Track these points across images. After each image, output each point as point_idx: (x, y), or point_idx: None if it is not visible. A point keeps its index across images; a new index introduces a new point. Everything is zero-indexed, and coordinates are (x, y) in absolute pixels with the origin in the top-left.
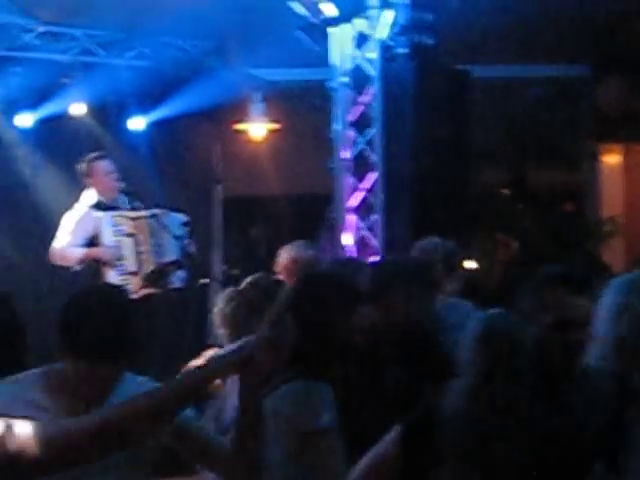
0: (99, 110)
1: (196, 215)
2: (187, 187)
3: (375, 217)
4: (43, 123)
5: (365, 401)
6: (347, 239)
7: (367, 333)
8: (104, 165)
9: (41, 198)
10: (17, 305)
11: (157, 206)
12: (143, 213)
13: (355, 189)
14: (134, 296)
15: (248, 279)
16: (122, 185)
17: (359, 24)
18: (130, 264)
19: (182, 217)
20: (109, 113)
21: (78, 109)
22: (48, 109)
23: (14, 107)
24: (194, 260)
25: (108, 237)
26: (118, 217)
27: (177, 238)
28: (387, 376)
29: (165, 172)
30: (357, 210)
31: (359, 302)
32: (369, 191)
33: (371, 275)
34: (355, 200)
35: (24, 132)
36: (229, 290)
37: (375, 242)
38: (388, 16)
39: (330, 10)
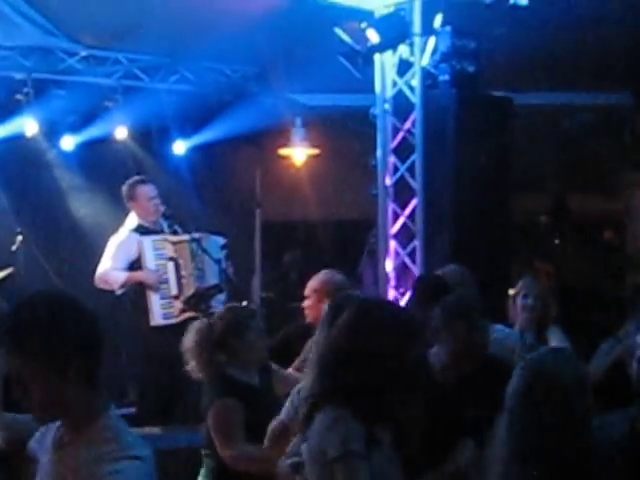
0: (141, 134)
1: (236, 239)
2: (228, 211)
3: (415, 243)
4: (86, 146)
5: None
6: (388, 265)
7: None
8: (147, 189)
9: (83, 221)
10: None
11: (197, 230)
12: (184, 237)
13: (396, 215)
14: (174, 320)
15: (220, 311)
16: (164, 209)
17: (402, 51)
18: (172, 288)
19: (220, 240)
20: (151, 137)
21: (121, 133)
22: (91, 132)
23: (58, 130)
24: (234, 283)
25: (150, 261)
26: (159, 241)
27: (217, 261)
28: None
29: (206, 196)
30: (397, 236)
31: (415, 333)
32: (409, 217)
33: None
34: (396, 226)
35: (67, 155)
36: (199, 321)
37: (415, 268)
38: (430, 43)
39: (374, 37)
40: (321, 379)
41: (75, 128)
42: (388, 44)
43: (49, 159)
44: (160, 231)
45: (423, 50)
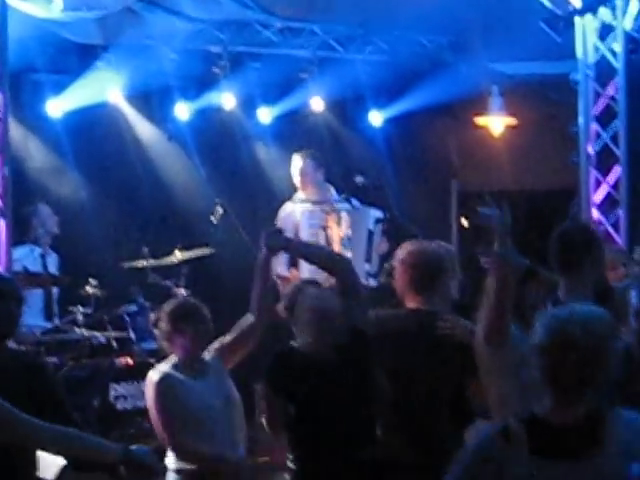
0: (337, 105)
1: (432, 209)
2: (423, 181)
3: (619, 212)
4: (282, 118)
5: None
6: None
7: None
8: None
9: (280, 193)
10: None
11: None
12: (338, 206)
13: (599, 184)
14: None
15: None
16: (362, 179)
17: (603, 14)
18: None
19: (378, 213)
20: (347, 108)
21: (316, 104)
22: (287, 104)
23: (254, 102)
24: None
25: (304, 230)
26: (315, 211)
27: (369, 233)
28: None
29: (401, 166)
30: (600, 205)
31: None
32: (613, 186)
33: None
34: (599, 195)
35: (264, 127)
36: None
37: (619, 238)
38: (633, 6)
39: (575, 1)
40: None
41: (271, 100)
42: (589, 7)
43: (246, 131)
44: (324, 202)
45: (625, 13)
